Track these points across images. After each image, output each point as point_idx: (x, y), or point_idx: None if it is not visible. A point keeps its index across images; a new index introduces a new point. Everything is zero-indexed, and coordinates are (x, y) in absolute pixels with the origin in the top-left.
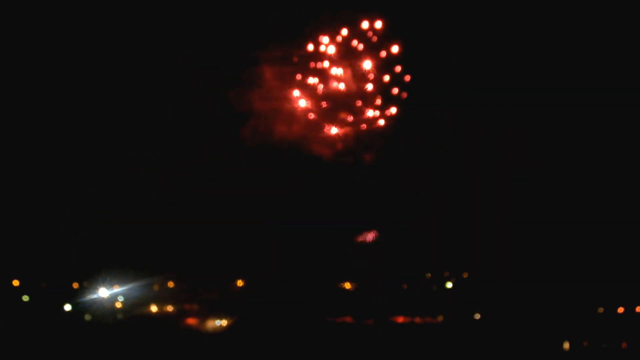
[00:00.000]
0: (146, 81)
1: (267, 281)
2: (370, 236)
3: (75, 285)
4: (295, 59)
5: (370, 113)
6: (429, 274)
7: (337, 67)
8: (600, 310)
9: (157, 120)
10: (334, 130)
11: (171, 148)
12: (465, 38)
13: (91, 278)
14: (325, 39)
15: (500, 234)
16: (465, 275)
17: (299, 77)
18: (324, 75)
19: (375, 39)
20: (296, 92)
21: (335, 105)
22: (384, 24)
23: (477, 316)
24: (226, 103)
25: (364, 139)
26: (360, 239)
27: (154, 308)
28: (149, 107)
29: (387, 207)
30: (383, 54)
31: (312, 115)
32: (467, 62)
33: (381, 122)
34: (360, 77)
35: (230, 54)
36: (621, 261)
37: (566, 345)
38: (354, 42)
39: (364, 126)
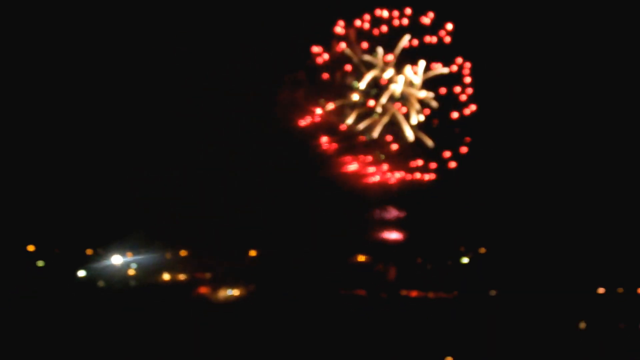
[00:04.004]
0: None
1: (280, 252)
2: (389, 213)
3: (89, 251)
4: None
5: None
6: (445, 249)
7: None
8: (620, 290)
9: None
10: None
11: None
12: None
13: (105, 245)
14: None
15: (519, 208)
16: (482, 250)
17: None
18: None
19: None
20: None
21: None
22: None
23: (493, 293)
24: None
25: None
26: (380, 215)
27: (166, 276)
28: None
29: (402, 184)
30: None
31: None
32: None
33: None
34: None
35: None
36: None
37: (582, 325)
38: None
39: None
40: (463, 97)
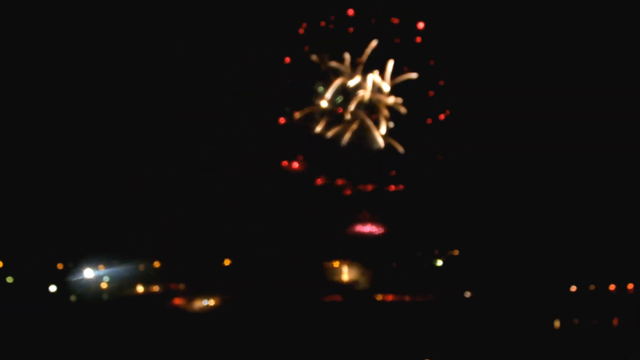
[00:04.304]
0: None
1: (254, 260)
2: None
3: (60, 266)
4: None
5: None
6: (419, 252)
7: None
8: (592, 287)
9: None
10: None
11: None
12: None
13: (76, 258)
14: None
15: (492, 210)
16: (455, 252)
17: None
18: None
19: None
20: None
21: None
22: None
23: (468, 294)
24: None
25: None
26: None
27: (140, 288)
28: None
29: (378, 187)
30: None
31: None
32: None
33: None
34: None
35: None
36: (610, 240)
37: (557, 324)
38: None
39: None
40: (436, 101)
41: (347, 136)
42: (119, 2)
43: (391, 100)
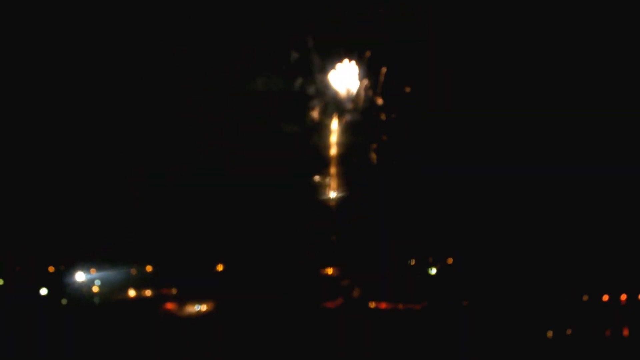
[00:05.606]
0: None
1: (247, 265)
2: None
3: (51, 268)
4: None
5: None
6: (413, 260)
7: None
8: (585, 298)
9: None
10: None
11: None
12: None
13: (67, 261)
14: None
15: (487, 218)
16: (449, 261)
17: None
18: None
19: None
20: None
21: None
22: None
23: (465, 303)
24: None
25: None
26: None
27: (131, 292)
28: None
29: (371, 193)
30: None
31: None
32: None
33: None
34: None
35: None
36: (605, 251)
37: (549, 334)
38: None
39: None
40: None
41: (339, 148)
42: (119, 2)
43: (383, 114)
